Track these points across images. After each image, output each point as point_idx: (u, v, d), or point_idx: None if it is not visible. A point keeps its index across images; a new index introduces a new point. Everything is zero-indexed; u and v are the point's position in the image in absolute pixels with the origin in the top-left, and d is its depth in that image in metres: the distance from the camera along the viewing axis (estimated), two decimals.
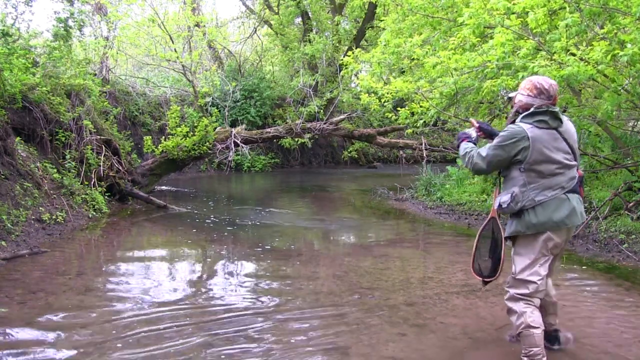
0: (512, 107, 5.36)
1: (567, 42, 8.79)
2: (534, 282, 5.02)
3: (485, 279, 5.54)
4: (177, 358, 5.21)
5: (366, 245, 11.27)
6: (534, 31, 9.47)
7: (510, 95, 5.52)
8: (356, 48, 19.63)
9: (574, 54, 8.77)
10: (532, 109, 5.03)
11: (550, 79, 5.35)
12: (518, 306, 5.05)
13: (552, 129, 5.00)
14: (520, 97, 5.16)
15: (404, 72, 15.00)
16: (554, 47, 9.17)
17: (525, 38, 9.79)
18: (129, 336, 5.71)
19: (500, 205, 5.16)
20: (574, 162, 5.10)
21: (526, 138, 4.90)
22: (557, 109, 5.10)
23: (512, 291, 5.13)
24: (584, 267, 8.69)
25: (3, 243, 9.12)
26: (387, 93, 13.04)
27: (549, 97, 5.06)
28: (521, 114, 5.14)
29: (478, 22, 10.04)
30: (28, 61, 13.22)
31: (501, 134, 5.10)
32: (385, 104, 13.76)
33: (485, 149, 5.17)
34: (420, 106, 13.11)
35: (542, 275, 5.06)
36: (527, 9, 9.33)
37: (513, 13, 9.65)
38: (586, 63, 8.61)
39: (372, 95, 14.08)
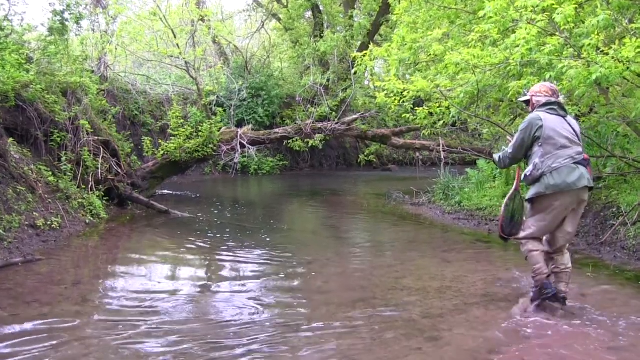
0: (531, 107, 7.30)
1: (598, 38, 8.74)
2: (533, 229, 7.06)
3: (507, 236, 7.47)
4: None
5: (380, 252, 11.25)
6: (562, 28, 9.42)
7: (523, 99, 7.65)
8: (370, 43, 19.60)
9: (605, 53, 8.71)
10: (544, 101, 7.09)
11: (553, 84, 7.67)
12: (523, 242, 7.19)
13: (560, 116, 6.99)
14: (538, 98, 7.17)
15: (419, 70, 14.95)
16: (581, 42, 9.12)
17: (551, 33, 9.74)
18: (127, 349, 5.71)
19: (525, 175, 6.98)
20: (578, 142, 6.96)
21: (540, 119, 6.87)
22: (562, 102, 7.29)
23: (522, 232, 7.22)
24: (611, 276, 8.64)
25: None
26: (407, 92, 12.99)
27: (558, 96, 7.23)
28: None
29: (504, 21, 10.01)
30: (21, 57, 13.24)
31: (523, 123, 7.09)
32: (405, 103, 13.72)
33: (513, 140, 7.25)
34: (439, 106, 13.07)
35: (542, 229, 7.04)
36: (555, 6, 9.28)
37: (537, 6, 9.61)
38: (617, 61, 8.56)
39: (392, 95, 14.01)
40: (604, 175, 11.34)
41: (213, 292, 8.05)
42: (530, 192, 6.95)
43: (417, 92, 12.69)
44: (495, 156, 7.71)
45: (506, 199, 7.48)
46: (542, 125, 6.79)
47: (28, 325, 6.36)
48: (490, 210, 14.11)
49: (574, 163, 6.71)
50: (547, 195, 6.78)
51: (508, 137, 8.27)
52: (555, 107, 6.99)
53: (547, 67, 9.30)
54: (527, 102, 7.42)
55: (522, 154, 7.15)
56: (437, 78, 12.68)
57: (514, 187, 7.48)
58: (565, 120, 6.98)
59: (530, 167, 6.89)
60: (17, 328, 6.27)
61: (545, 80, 9.32)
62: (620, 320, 6.57)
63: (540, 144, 6.81)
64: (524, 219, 7.28)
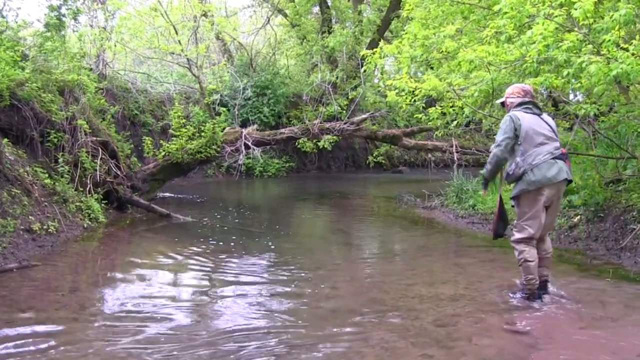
0: (506, 108, 8.00)
1: (618, 34, 8.71)
2: (530, 230, 7.56)
3: (499, 236, 8.32)
4: None
5: (391, 258, 11.26)
6: (581, 23, 9.39)
7: (499, 101, 8.53)
8: (380, 40, 19.56)
9: (626, 49, 8.68)
10: (520, 101, 7.76)
11: (527, 84, 8.39)
12: (519, 246, 7.66)
13: (535, 114, 7.64)
14: (512, 99, 7.86)
15: (432, 67, 14.93)
16: (600, 38, 9.10)
17: (569, 29, 9.72)
18: (126, 358, 5.71)
19: (507, 174, 7.67)
20: (555, 137, 7.62)
21: (518, 118, 7.49)
22: (537, 102, 8.01)
23: (516, 235, 7.70)
24: (632, 282, 8.59)
25: None
26: (418, 91, 12.97)
27: (532, 96, 7.90)
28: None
29: (520, 16, 9.99)
30: (17, 54, 13.24)
31: (501, 123, 7.73)
32: (416, 103, 13.69)
33: (495, 140, 7.71)
34: (452, 106, 13.05)
35: (537, 226, 7.54)
36: (573, 0, 9.26)
37: (555, 1, 9.59)
38: (637, 58, 8.53)
39: (403, 93, 13.98)
40: (624, 178, 11.29)
41: (216, 300, 8.03)
42: (515, 190, 7.67)
43: (429, 90, 12.69)
44: (486, 168, 8.07)
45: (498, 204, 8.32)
46: (520, 124, 7.47)
47: (23, 334, 6.36)
48: None
49: (553, 158, 7.40)
50: (530, 191, 7.46)
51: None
52: (530, 106, 7.71)
53: (565, 64, 9.28)
54: (503, 104, 8.20)
55: (508, 151, 7.64)
56: (449, 76, 12.68)
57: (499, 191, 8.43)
58: (541, 118, 7.69)
59: (512, 166, 7.59)
60: (12, 336, 6.27)
61: (562, 78, 9.44)
62: None
63: (519, 142, 7.50)
64: (514, 221, 7.92)
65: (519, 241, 7.65)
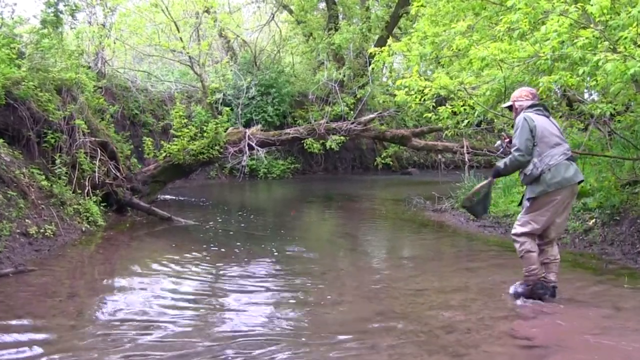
0: (514, 112, 8.19)
1: (636, 31, 8.67)
2: (534, 225, 7.73)
3: (476, 215, 9.68)
4: None
5: (399, 262, 11.25)
6: (597, 19, 9.36)
7: (505, 105, 8.66)
8: (388, 37, 19.50)
9: None
10: (530, 104, 7.95)
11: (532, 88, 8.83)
12: (521, 238, 7.80)
13: (545, 116, 7.84)
14: (521, 102, 8.06)
15: (442, 65, 14.90)
16: (617, 35, 9.07)
17: (584, 26, 9.69)
18: None
19: (525, 174, 7.75)
20: (565, 139, 7.88)
21: (532, 119, 7.64)
22: (545, 104, 8.54)
23: (519, 229, 7.86)
24: None
25: None
26: (428, 89, 12.94)
27: (539, 99, 8.46)
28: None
29: (535, 12, 9.96)
30: (12, 52, 13.24)
31: (516, 125, 7.78)
32: (426, 102, 13.65)
33: (514, 144, 7.78)
34: (463, 105, 13.02)
35: (542, 224, 7.71)
36: None
37: None
38: None
39: (412, 92, 13.95)
40: None
41: (218, 306, 8.03)
42: (534, 191, 7.70)
43: (439, 89, 12.64)
44: (500, 163, 8.19)
45: (484, 186, 8.98)
46: (535, 125, 7.62)
47: (20, 340, 6.35)
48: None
49: (567, 159, 7.60)
50: (549, 192, 7.57)
51: (503, 134, 8.97)
52: (541, 108, 7.96)
53: (580, 62, 9.26)
54: (510, 107, 8.41)
55: (530, 154, 7.68)
56: (460, 74, 12.65)
57: (490, 179, 8.74)
58: (550, 120, 7.93)
59: (529, 167, 7.67)
60: (8, 343, 6.26)
61: (578, 76, 9.47)
62: None
63: (535, 143, 7.64)
64: (519, 215, 8.09)
65: (521, 234, 7.82)
